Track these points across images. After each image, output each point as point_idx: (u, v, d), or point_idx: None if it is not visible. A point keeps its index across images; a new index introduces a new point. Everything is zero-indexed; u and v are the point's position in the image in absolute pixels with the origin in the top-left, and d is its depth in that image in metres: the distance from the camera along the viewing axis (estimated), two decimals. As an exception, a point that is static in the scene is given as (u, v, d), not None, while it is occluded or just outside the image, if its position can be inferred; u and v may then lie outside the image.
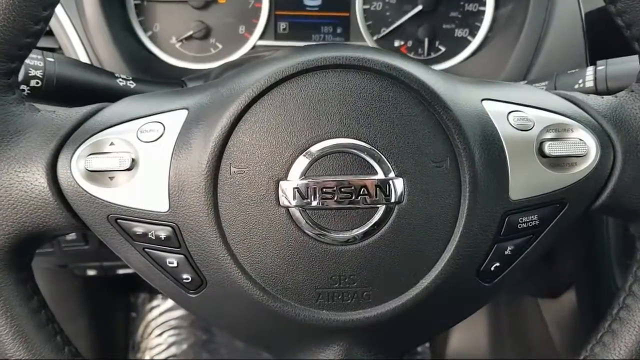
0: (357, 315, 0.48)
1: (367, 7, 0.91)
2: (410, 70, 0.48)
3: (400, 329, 0.51)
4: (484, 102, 0.51)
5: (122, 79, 0.68)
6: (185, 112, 0.49)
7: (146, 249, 0.49)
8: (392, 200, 0.47)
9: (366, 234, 0.48)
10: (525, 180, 0.49)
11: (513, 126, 0.50)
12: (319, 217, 0.47)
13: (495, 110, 0.51)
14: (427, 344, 1.45)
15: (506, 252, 0.50)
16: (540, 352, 1.07)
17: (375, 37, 0.92)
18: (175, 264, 0.49)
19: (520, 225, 0.50)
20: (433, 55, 0.93)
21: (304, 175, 0.47)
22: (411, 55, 0.93)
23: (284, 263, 0.48)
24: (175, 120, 0.49)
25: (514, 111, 0.51)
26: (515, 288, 1.09)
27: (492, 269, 0.50)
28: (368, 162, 0.47)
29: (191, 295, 0.50)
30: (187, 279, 0.49)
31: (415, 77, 0.48)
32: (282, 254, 0.48)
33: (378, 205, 0.47)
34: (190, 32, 0.89)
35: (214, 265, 0.48)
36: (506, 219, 0.49)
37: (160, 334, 1.45)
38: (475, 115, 0.49)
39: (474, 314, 0.55)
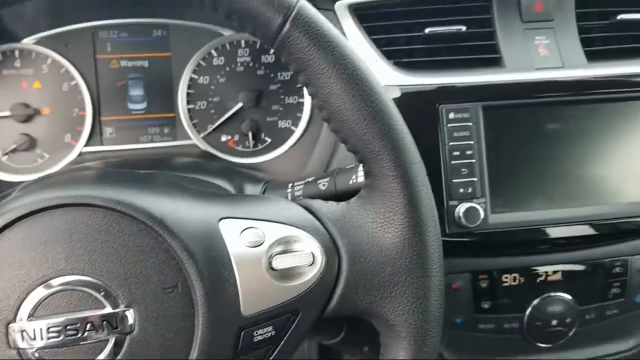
0: None
1: (191, 106, 0.95)
2: (136, 202, 0.50)
3: None
4: (221, 221, 0.54)
5: None
6: None
7: None
8: (122, 331, 0.49)
9: None
10: (256, 296, 0.52)
11: (244, 244, 0.53)
12: (52, 355, 0.48)
13: (229, 230, 0.53)
14: None
15: None
16: None
17: (202, 134, 0.96)
18: None
19: (256, 339, 0.52)
20: (260, 146, 0.97)
21: (32, 316, 0.48)
22: (239, 148, 0.97)
23: None
24: None
25: (249, 228, 0.54)
26: None
27: None
28: (95, 296, 0.49)
29: None
30: None
31: (141, 208, 0.50)
32: None
33: (108, 338, 0.49)
34: (14, 146, 0.90)
35: None
36: (241, 334, 0.51)
37: None
38: (207, 237, 0.52)
39: None
